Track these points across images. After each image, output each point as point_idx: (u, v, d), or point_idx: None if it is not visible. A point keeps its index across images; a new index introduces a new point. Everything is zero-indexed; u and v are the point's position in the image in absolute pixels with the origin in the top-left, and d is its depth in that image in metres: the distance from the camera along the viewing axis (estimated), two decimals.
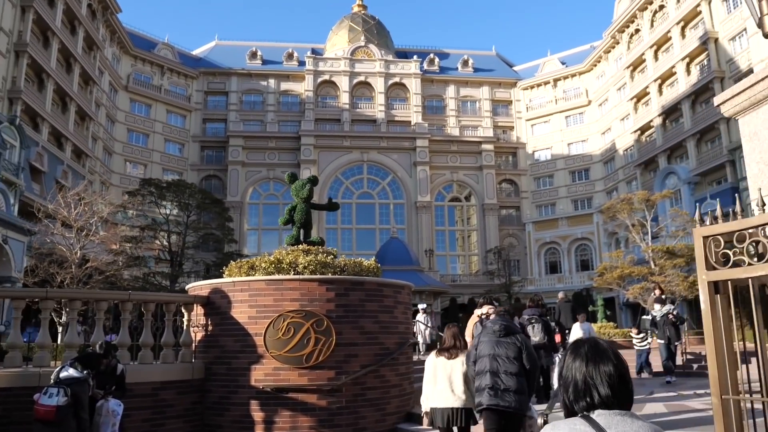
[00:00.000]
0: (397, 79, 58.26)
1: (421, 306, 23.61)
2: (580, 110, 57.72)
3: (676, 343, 14.01)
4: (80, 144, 42.12)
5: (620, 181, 52.62)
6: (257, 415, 8.86)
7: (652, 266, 30.86)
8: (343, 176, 54.86)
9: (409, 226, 53.35)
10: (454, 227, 56.61)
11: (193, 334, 9.56)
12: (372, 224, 53.96)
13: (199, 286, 9.86)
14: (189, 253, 40.58)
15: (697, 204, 15.67)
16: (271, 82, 57.09)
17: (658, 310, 14.05)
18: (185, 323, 9.54)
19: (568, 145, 57.68)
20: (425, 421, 6.65)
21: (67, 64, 41.69)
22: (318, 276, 9.31)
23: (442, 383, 6.43)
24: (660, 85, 47.51)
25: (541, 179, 58.33)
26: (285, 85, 57.39)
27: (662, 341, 13.55)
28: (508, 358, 5.83)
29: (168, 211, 39.09)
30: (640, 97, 49.81)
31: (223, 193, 52.07)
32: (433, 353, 6.79)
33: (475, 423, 6.32)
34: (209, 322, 9.48)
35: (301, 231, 11.17)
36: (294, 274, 9.43)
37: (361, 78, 57.87)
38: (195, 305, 9.62)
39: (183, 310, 9.59)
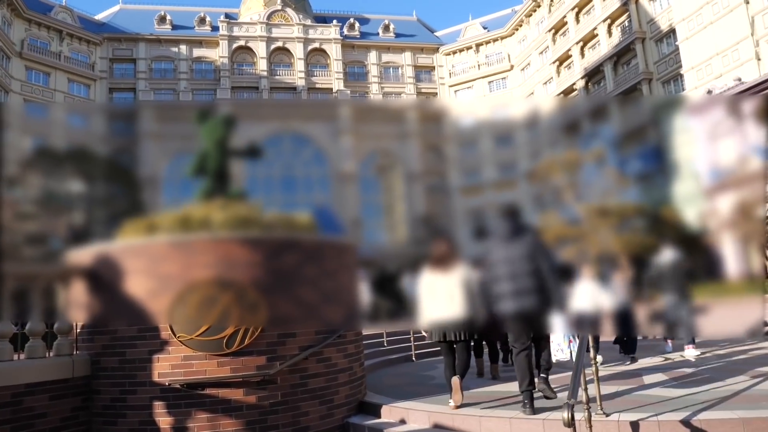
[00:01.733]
0: (316, 45, 55.31)
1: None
2: (503, 75, 56.68)
3: None
4: None
5: (544, 144, 52.03)
6: (163, 420, 6.55)
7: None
8: (264, 146, 51.72)
9: (334, 197, 51.07)
10: (380, 196, 54.72)
11: (72, 319, 7.10)
12: (294, 196, 51.25)
13: (79, 255, 7.36)
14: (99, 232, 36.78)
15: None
16: (183, 48, 52.86)
17: None
18: (62, 303, 7.04)
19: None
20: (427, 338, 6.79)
21: None
22: (239, 235, 7.03)
23: (441, 298, 6.33)
24: (582, 48, 46.97)
25: (466, 146, 57.11)
26: (198, 52, 53.30)
27: None
28: (522, 258, 5.76)
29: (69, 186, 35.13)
30: (563, 60, 49.18)
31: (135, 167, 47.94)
32: (426, 270, 6.67)
33: (480, 335, 6.81)
34: (94, 302, 7.04)
35: (216, 183, 8.81)
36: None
37: (279, 44, 54.56)
38: (74, 279, 7.13)
39: (57, 288, 7.08)
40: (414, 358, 12.71)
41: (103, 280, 6.98)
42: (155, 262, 6.81)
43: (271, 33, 54.34)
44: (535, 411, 5.97)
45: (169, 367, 6.62)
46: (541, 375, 6.74)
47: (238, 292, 6.75)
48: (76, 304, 7.14)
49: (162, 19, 53.43)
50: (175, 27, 53.68)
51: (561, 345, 9.30)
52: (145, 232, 7.31)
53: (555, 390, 6.85)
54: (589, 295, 7.61)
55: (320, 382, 7.17)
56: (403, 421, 6.87)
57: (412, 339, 12.79)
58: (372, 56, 57.34)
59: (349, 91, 54.22)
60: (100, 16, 54.89)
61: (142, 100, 49.27)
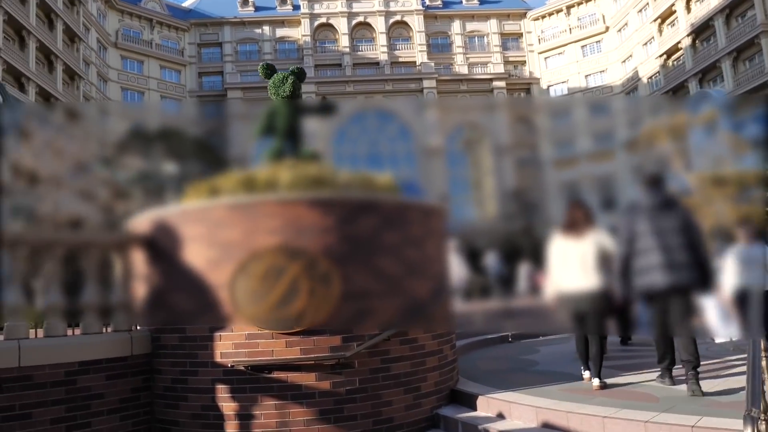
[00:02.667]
0: (398, 17, 53.92)
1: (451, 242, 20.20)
2: (597, 38, 53.20)
3: None
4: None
5: (645, 112, 48.55)
6: (227, 405, 5.76)
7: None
8: (349, 124, 51.23)
9: (420, 172, 49.94)
10: (468, 171, 53.08)
11: (131, 291, 6.41)
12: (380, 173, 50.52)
13: (139, 222, 6.65)
14: None
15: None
16: (266, 29, 52.89)
17: None
18: (119, 274, 6.35)
19: (585, 77, 53.35)
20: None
21: (48, 20, 38.06)
22: (309, 196, 6.08)
23: (574, 266, 5.97)
24: (688, 2, 43.06)
25: (558, 116, 54.30)
26: (281, 32, 53.23)
27: None
28: (674, 230, 5.39)
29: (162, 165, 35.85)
30: (665, 17, 45.39)
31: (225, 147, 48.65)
32: (557, 236, 6.24)
33: (617, 308, 5.99)
34: (154, 272, 6.31)
35: (286, 143, 7.93)
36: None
37: (360, 18, 53.57)
38: (131, 248, 6.43)
39: (114, 257, 6.39)
40: (510, 338, 11.52)
41: (160, 248, 6.24)
42: (215, 228, 5.98)
43: (352, 8, 53.42)
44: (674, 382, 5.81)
45: (231, 346, 5.80)
46: (690, 372, 5.58)
47: (307, 261, 5.82)
48: (135, 275, 6.44)
49: (245, 2, 53.62)
50: (257, 9, 53.76)
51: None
52: (207, 195, 6.50)
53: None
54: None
55: (405, 367, 6.16)
56: (501, 416, 5.74)
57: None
58: (456, 26, 55.32)
59: (433, 64, 52.65)
60: (186, 3, 55.91)
61: (229, 82, 49.80)
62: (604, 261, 5.96)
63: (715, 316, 8.18)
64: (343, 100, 50.68)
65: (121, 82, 46.97)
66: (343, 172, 6.82)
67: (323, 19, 53.24)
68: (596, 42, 53.23)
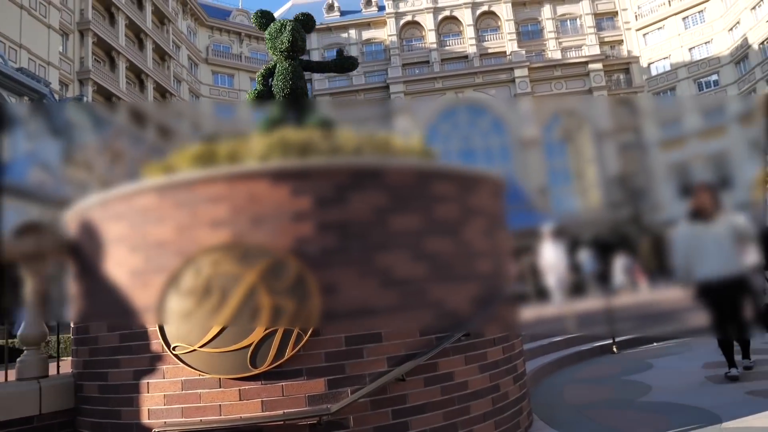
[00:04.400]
0: (485, 8, 50.84)
1: (546, 227, 17.27)
2: (699, 7, 47.50)
3: None
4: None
5: (759, 80, 42.61)
6: None
7: None
8: (440, 120, 48.83)
9: (516, 165, 46.63)
10: (567, 160, 49.10)
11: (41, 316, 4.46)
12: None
13: (69, 219, 4.73)
14: None
15: None
16: (352, 32, 51.54)
17: None
18: (27, 293, 4.40)
19: (689, 51, 47.80)
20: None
21: (138, 40, 38.53)
22: (272, 165, 3.89)
23: (710, 250, 5.35)
24: None
25: (662, 94, 49.06)
26: (367, 34, 51.71)
27: None
28: None
29: None
30: None
31: None
32: (683, 222, 5.75)
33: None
34: (79, 290, 4.36)
35: (287, 108, 5.81)
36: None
37: (446, 13, 50.98)
38: (47, 257, 4.49)
39: (23, 271, 4.46)
40: (615, 348, 8.81)
41: (85, 255, 4.27)
42: (140, 224, 3.92)
43: (437, 3, 50.94)
44: None
45: (162, 400, 3.71)
46: None
47: (269, 265, 3.64)
48: (59, 296, 4.53)
49: (330, 7, 52.55)
50: (343, 13, 52.56)
51: None
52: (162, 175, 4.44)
53: None
54: None
55: (435, 420, 3.82)
56: None
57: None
58: (546, 11, 51.41)
59: (524, 52, 49.18)
60: (276, 13, 55.69)
61: (318, 89, 48.85)
62: (742, 243, 5.46)
63: None
64: (432, 96, 48.36)
65: (213, 97, 47.11)
66: (344, 133, 4.58)
67: (409, 17, 51.18)
68: (698, 12, 47.57)
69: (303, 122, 5.64)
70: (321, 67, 6.83)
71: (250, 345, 3.60)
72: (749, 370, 6.06)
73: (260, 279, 3.63)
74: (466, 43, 50.58)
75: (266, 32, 6.12)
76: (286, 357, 3.59)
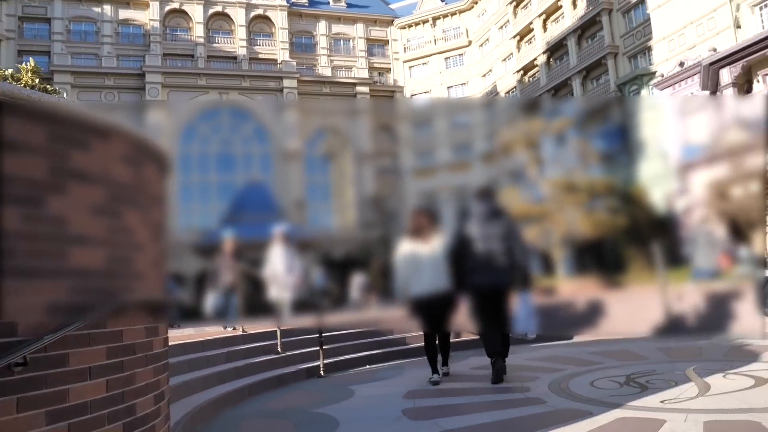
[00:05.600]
0: (260, 11, 48.09)
1: (278, 228, 14.87)
2: (461, 51, 50.49)
3: None
4: None
5: (502, 124, 46.13)
6: None
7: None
8: (199, 120, 44.56)
9: (276, 176, 44.33)
10: (327, 177, 48.21)
11: None
12: (233, 175, 44.34)
13: None
14: None
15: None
16: (107, 8, 44.87)
17: None
18: None
19: (447, 89, 50.41)
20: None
21: None
22: None
23: (425, 268, 5.57)
24: (545, 21, 41.22)
25: (420, 125, 50.84)
26: (125, 13, 45.48)
27: None
28: (496, 237, 5.40)
29: None
30: (524, 34, 43.33)
31: None
32: (404, 241, 5.76)
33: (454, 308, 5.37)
34: None
35: None
36: None
37: (218, 8, 47.15)
38: None
39: None
40: (323, 372, 7.78)
41: None
42: None
43: None
44: None
45: None
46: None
47: None
48: None
49: None
50: None
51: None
52: None
53: None
54: None
55: None
56: None
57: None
58: (321, 26, 50.44)
59: (295, 63, 47.39)
60: None
61: (57, 64, 41.47)
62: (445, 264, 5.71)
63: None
64: (194, 93, 44.03)
65: None
66: None
67: (176, 5, 46.25)
68: (459, 55, 50.56)
69: None
70: None
71: None
72: (446, 376, 7.12)
73: None
74: (236, 43, 47.29)
75: None
76: None
